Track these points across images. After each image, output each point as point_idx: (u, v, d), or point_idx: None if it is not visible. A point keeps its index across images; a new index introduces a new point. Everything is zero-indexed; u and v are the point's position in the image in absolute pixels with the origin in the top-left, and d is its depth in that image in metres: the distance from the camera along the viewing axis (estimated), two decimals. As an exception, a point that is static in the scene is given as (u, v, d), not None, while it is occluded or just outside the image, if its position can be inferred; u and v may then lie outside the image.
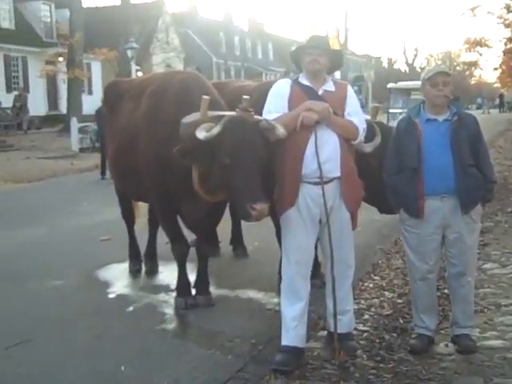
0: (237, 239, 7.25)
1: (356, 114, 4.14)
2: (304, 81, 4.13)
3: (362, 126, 4.15)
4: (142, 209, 6.72)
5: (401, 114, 20.40)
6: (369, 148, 4.49)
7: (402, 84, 25.91)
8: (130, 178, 5.60)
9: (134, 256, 6.69)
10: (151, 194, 5.31)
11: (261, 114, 4.15)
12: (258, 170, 3.88)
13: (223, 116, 4.13)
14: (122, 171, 5.84)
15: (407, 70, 77.66)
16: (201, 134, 3.99)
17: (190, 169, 4.40)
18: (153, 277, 6.49)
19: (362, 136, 4.17)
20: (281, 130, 3.90)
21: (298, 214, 4.04)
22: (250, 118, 4.07)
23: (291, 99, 4.07)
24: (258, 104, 4.29)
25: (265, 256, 6.73)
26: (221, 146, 3.98)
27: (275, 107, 4.08)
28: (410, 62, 79.68)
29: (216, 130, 3.98)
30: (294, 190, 4.01)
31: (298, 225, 4.05)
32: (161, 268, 6.64)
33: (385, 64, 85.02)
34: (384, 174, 4.35)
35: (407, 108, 19.42)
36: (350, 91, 4.22)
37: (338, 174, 4.01)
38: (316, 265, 4.80)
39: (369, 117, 4.80)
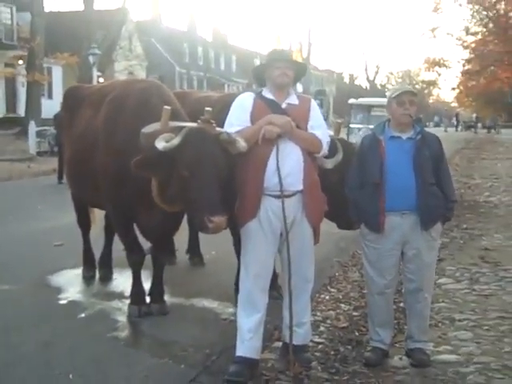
0: (194, 248, 7.18)
1: (319, 128, 4.14)
2: (268, 94, 4.11)
3: (325, 140, 4.15)
4: (97, 215, 6.61)
5: (360, 129, 20.82)
6: (330, 164, 4.49)
7: (363, 100, 26.05)
8: (87, 185, 5.53)
9: (88, 262, 6.58)
10: (107, 201, 5.25)
11: (223, 126, 4.13)
12: (217, 183, 3.87)
13: (184, 127, 4.10)
14: (78, 177, 5.76)
15: (368, 87, 78.94)
16: (160, 144, 3.95)
17: (149, 179, 4.36)
18: (107, 283, 6.35)
19: (325, 149, 4.16)
20: (242, 144, 3.88)
21: (258, 226, 4.02)
22: (212, 130, 4.05)
23: (254, 112, 4.05)
24: (221, 116, 4.27)
25: (222, 265, 6.67)
26: (180, 158, 3.95)
27: (237, 120, 4.06)
28: (371, 78, 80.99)
29: (176, 140, 3.94)
30: (255, 203, 3.99)
31: (259, 237, 4.03)
32: (115, 275, 6.51)
33: (346, 79, 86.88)
34: (346, 189, 4.36)
35: (367, 124, 19.82)
36: (314, 105, 4.23)
37: (300, 187, 4.00)
38: (273, 276, 4.78)
39: (332, 132, 4.83)
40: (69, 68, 31.99)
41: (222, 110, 4.42)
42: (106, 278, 6.44)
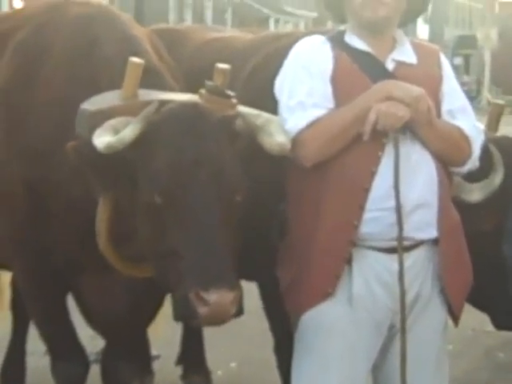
0: (192, 354, 4.68)
1: (464, 114, 2.91)
2: (355, 41, 2.87)
3: (478, 139, 2.91)
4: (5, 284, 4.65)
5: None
6: (477, 193, 3.20)
7: None
8: None
9: None
10: (14, 255, 3.66)
11: (260, 106, 2.85)
12: (222, 221, 2.66)
13: (168, 103, 2.84)
14: None
15: None
16: (101, 139, 2.72)
17: (94, 204, 3.00)
18: None
19: (475, 160, 2.93)
20: (278, 138, 2.67)
21: (343, 314, 2.80)
22: (218, 109, 2.81)
23: (337, 79, 2.79)
24: (254, 81, 3.27)
25: None
26: (145, 168, 2.74)
27: (310, 95, 2.77)
28: None
29: (130, 131, 2.69)
30: (336, 264, 2.78)
31: (344, 337, 2.81)
32: None
33: None
34: (506, 245, 3.17)
35: None
36: (446, 65, 3.00)
37: (432, 233, 2.83)
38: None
39: (482, 125, 3.31)
40: None
41: (257, 70, 3.35)
42: None
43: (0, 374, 4.63)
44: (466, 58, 35.01)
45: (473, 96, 25.71)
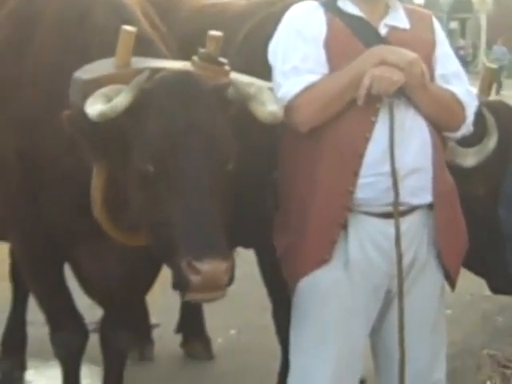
0: (192, 322, 4.63)
1: (458, 78, 2.89)
2: (348, 6, 2.84)
3: (472, 103, 2.88)
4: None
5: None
6: (472, 157, 3.16)
7: None
8: None
9: None
10: (11, 226, 3.61)
11: (254, 72, 2.89)
12: (214, 189, 2.62)
13: (161, 70, 2.80)
14: None
15: None
16: (93, 106, 2.68)
17: (87, 173, 2.95)
18: None
19: (469, 124, 2.89)
20: (270, 107, 2.64)
21: (340, 278, 2.77)
22: (212, 77, 2.81)
23: (330, 43, 2.78)
24: (248, 48, 3.25)
25: (248, 360, 4.52)
26: (137, 136, 2.69)
27: (305, 60, 2.76)
28: None
29: (122, 99, 2.64)
30: (332, 230, 2.74)
31: (342, 302, 2.79)
32: (32, 372, 4.36)
33: None
34: (502, 210, 3.12)
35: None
36: (439, 30, 2.99)
37: (427, 198, 2.81)
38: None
39: (475, 89, 3.31)
40: None
41: (251, 35, 3.35)
42: (14, 377, 4.38)
43: (1, 343, 4.61)
44: (462, 21, 34.30)
45: (469, 60, 25.57)
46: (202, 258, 2.53)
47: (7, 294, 4.62)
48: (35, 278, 3.63)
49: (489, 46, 34.63)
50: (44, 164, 3.19)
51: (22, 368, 4.48)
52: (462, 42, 36.23)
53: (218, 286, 2.57)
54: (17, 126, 3.28)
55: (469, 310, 5.41)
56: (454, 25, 41.01)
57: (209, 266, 2.53)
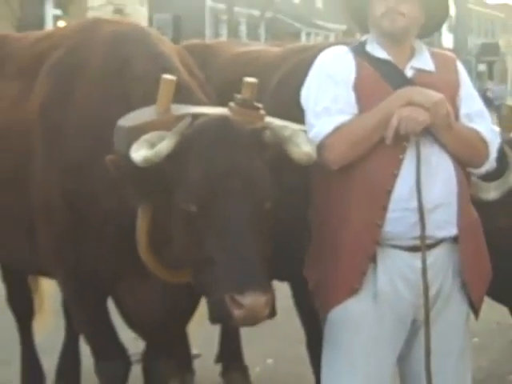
0: (230, 352, 4.64)
1: (481, 117, 2.88)
2: (376, 50, 2.84)
3: (494, 141, 2.88)
4: (46, 289, 4.39)
5: None
6: (494, 191, 3.17)
7: None
8: (17, 234, 3.66)
9: (29, 379, 4.37)
10: (56, 264, 3.51)
11: (288, 115, 2.84)
12: (254, 227, 2.64)
13: (200, 117, 2.80)
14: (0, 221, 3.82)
15: None
16: (138, 152, 2.68)
17: (134, 216, 2.93)
18: None
19: (493, 161, 2.90)
20: (305, 149, 2.65)
21: (369, 310, 2.77)
22: (249, 122, 2.78)
23: (359, 86, 2.78)
24: (282, 93, 3.19)
25: None
26: (180, 179, 2.71)
27: (336, 102, 2.76)
28: None
29: (166, 145, 2.66)
30: (361, 263, 2.74)
31: (371, 332, 2.78)
32: None
33: None
34: None
35: None
36: (462, 72, 2.97)
37: (452, 231, 2.78)
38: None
39: (497, 128, 3.29)
40: (1, 1, 18.60)
41: (284, 81, 3.28)
42: None
43: (56, 372, 4.58)
44: (490, 64, 34.48)
45: (491, 102, 25.73)
46: (244, 292, 2.55)
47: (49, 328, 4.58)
48: (79, 311, 3.66)
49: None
50: (87, 206, 3.21)
51: None
52: (490, 84, 36.30)
53: (259, 319, 2.59)
54: (62, 170, 3.31)
55: (495, 337, 5.37)
56: (482, 67, 41.75)
57: (250, 299, 2.56)
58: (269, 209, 2.73)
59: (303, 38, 32.46)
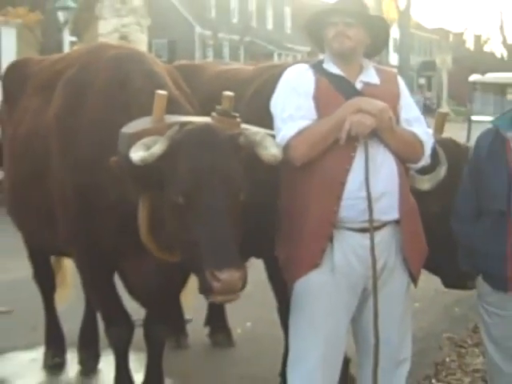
0: (216, 317, 5.09)
1: (418, 122, 3.18)
2: (331, 67, 3.12)
3: (429, 141, 3.18)
4: (68, 267, 4.69)
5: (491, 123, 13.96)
6: (427, 183, 3.38)
7: (493, 76, 17.15)
8: (40, 221, 3.99)
9: (52, 342, 4.72)
10: (70, 244, 3.83)
11: (260, 121, 3.19)
12: (230, 216, 2.95)
13: (187, 124, 3.11)
14: (26, 210, 4.13)
15: (505, 55, 49.10)
16: (136, 154, 3.00)
17: (133, 206, 3.23)
18: (88, 377, 4.51)
19: (427, 158, 3.20)
20: (272, 151, 2.96)
21: (327, 280, 3.03)
22: (227, 128, 3.09)
23: (318, 97, 3.06)
24: (255, 103, 3.47)
25: (261, 346, 4.91)
26: (170, 176, 3.00)
27: (298, 109, 3.05)
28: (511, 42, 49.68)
29: (157, 148, 2.98)
30: (321, 242, 3.02)
31: (328, 297, 3.04)
32: (103, 363, 4.54)
33: (470, 44, 55.33)
34: (453, 223, 3.27)
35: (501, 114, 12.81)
36: (402, 84, 3.24)
37: (395, 215, 3.08)
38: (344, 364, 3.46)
39: (431, 130, 3.57)
40: (27, 30, 19.94)
41: (257, 93, 3.57)
42: (89, 366, 4.60)
43: (79, 338, 4.79)
44: (428, 78, 38.96)
45: (434, 108, 30.27)
46: (221, 269, 2.82)
47: (71, 299, 4.83)
48: (91, 284, 3.97)
49: (450, 96, 40.81)
50: (95, 197, 3.48)
51: (96, 358, 4.64)
52: (428, 94, 42.37)
53: (234, 290, 2.85)
54: (74, 167, 3.59)
55: (433, 302, 5.70)
56: (422, 81, 48.41)
57: (226, 275, 2.82)
58: (243, 200, 3.00)
59: (276, 58, 35.52)
